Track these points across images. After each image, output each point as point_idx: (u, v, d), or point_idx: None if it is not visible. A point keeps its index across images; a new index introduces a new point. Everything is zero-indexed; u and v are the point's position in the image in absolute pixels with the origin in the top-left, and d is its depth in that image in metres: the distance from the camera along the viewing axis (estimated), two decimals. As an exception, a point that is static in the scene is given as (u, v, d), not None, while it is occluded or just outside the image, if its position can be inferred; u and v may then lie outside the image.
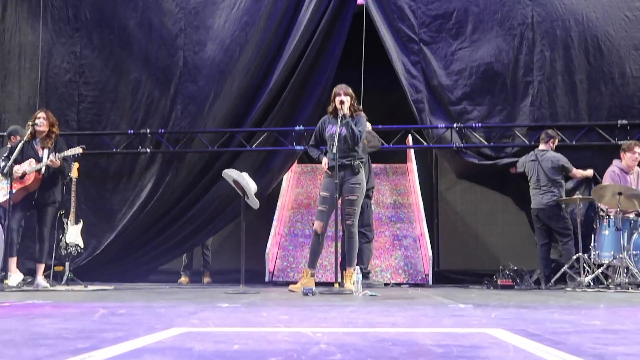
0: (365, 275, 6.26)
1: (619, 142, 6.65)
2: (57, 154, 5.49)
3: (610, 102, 6.76)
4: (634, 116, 6.71)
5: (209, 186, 7.32)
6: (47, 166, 5.48)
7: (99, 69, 7.48)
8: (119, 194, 7.37)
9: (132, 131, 7.31)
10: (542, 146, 6.55)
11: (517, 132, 6.95)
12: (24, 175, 5.45)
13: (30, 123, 5.53)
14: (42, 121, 5.56)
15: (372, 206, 6.70)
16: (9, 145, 6.15)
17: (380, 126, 7.11)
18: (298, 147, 7.19)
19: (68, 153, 5.55)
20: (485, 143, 6.97)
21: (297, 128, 7.21)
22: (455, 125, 6.94)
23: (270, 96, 7.15)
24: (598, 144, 6.81)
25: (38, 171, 5.48)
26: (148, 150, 7.31)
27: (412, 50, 7.05)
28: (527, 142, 6.87)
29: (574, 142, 6.81)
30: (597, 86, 6.78)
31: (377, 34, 7.16)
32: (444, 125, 6.99)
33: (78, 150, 5.62)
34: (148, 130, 7.27)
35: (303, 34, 7.04)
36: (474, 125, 6.94)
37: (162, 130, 7.29)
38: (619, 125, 6.72)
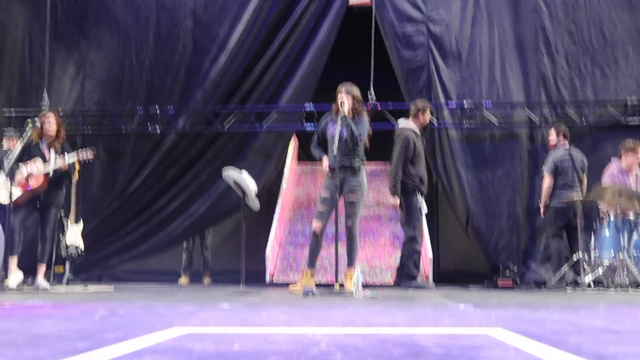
0: (413, 277, 6.07)
1: (629, 121, 6.77)
2: (67, 156, 5.51)
3: (615, 84, 6.87)
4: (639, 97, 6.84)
5: (193, 164, 7.42)
6: (55, 168, 5.50)
7: (105, 49, 7.49)
8: (121, 173, 7.39)
9: (141, 110, 7.33)
10: (566, 143, 6.47)
11: (525, 112, 7.01)
12: (30, 176, 5.45)
13: (30, 122, 5.51)
14: (51, 124, 5.57)
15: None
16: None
17: (391, 106, 7.24)
18: (308, 125, 7.27)
19: (79, 157, 5.58)
20: (494, 123, 7.01)
21: (306, 107, 7.27)
22: (466, 104, 6.99)
23: (258, 73, 7.27)
24: (607, 122, 6.88)
25: (46, 173, 5.49)
26: (158, 130, 7.31)
27: (419, 31, 7.14)
28: (536, 121, 6.96)
29: (583, 121, 6.89)
30: (601, 68, 6.87)
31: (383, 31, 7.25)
32: (454, 104, 7.02)
33: (89, 154, 5.63)
34: (158, 110, 7.28)
35: (296, 19, 7.22)
36: (483, 104, 7.00)
37: (172, 110, 7.31)
38: (629, 104, 6.79)
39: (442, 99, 7.08)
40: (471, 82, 7.08)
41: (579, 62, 6.94)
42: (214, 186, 7.30)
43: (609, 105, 6.90)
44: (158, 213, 7.43)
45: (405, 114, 7.29)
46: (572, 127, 6.82)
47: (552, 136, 6.48)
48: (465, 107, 7.01)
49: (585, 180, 6.49)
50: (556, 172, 6.34)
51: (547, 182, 6.35)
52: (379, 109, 7.09)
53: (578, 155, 6.44)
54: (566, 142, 6.45)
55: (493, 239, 6.89)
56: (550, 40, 6.98)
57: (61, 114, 7.32)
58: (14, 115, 7.47)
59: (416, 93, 7.17)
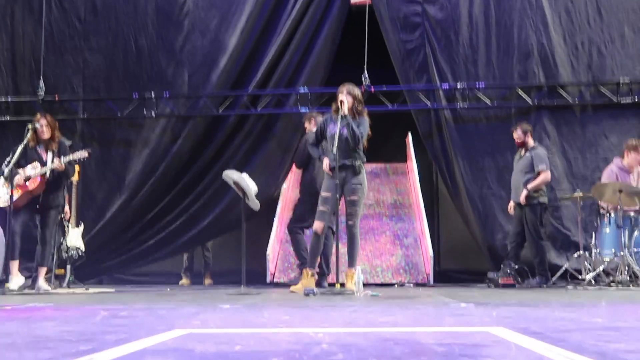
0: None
1: (622, 101, 6.83)
2: (62, 157, 5.51)
3: (612, 64, 6.92)
4: (635, 77, 6.90)
5: (211, 163, 7.37)
6: (52, 169, 5.50)
7: (103, 35, 7.51)
8: (124, 161, 7.40)
9: (136, 95, 7.34)
10: (533, 141, 6.53)
11: (520, 92, 7.05)
12: (28, 179, 5.46)
13: (30, 127, 5.53)
14: (44, 128, 5.57)
15: None
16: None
17: (385, 87, 7.27)
18: (303, 109, 7.27)
19: (74, 157, 5.57)
20: (489, 103, 7.03)
21: (300, 90, 7.27)
22: (459, 85, 7.00)
23: (272, 59, 7.26)
24: (601, 103, 6.94)
25: (43, 175, 5.49)
26: (153, 114, 7.31)
27: (415, 12, 7.18)
28: (530, 101, 6.99)
29: (577, 101, 6.93)
30: (597, 47, 6.93)
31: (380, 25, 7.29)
32: (447, 86, 7.05)
33: (84, 154, 5.63)
34: (153, 95, 7.28)
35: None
36: (477, 85, 7.02)
37: (167, 94, 7.31)
38: (622, 84, 6.85)
39: (438, 81, 7.11)
40: (468, 63, 7.12)
41: (575, 41, 6.98)
42: (223, 194, 7.30)
43: (602, 85, 6.93)
44: (168, 221, 7.43)
45: (398, 96, 7.32)
46: (566, 107, 6.93)
47: (518, 134, 6.44)
48: (461, 88, 7.04)
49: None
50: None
51: (548, 177, 6.29)
52: (372, 91, 7.12)
53: None
54: (532, 139, 6.51)
55: (489, 218, 6.92)
56: (548, 20, 7.01)
57: (57, 99, 7.36)
58: (10, 101, 7.49)
59: (412, 75, 7.22)
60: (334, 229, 6.04)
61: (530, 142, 6.41)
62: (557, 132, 6.97)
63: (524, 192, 6.22)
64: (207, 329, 2.28)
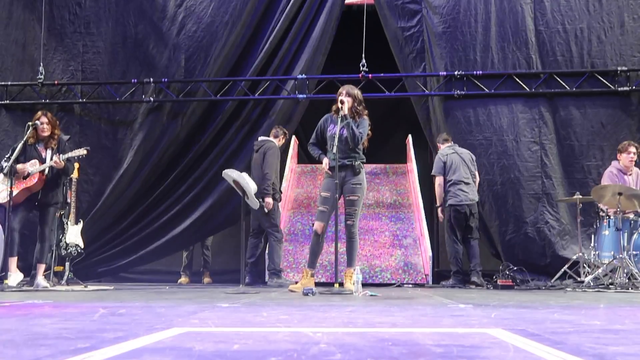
0: (277, 274, 6.51)
1: (619, 89, 6.84)
2: (60, 154, 5.50)
3: (611, 51, 6.93)
4: (634, 64, 6.91)
5: (207, 149, 7.41)
6: (51, 167, 5.50)
7: (103, 21, 7.55)
8: (121, 145, 7.41)
9: (135, 81, 7.36)
10: (448, 143, 6.74)
11: (517, 80, 7.05)
12: (27, 175, 5.46)
13: (31, 124, 5.53)
14: (45, 126, 5.57)
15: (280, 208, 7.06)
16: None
17: (382, 74, 7.32)
18: (300, 96, 7.31)
19: (72, 154, 5.56)
20: (487, 90, 7.06)
21: (298, 76, 7.29)
22: (456, 72, 7.02)
23: (270, 46, 7.32)
24: (598, 91, 6.94)
25: (42, 172, 5.49)
26: (151, 99, 7.33)
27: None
28: (527, 89, 7.01)
29: (574, 89, 6.95)
30: (597, 35, 6.94)
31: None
32: (445, 73, 7.07)
33: (82, 151, 5.62)
34: (152, 80, 7.31)
35: None
36: (475, 72, 7.04)
37: (165, 80, 7.33)
38: (619, 72, 6.86)
39: (435, 68, 7.15)
40: (466, 50, 7.15)
41: (575, 28, 6.99)
42: (218, 187, 7.30)
43: (601, 73, 6.93)
44: (163, 210, 7.43)
45: (395, 83, 7.40)
46: (564, 94, 6.95)
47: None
48: (459, 74, 7.05)
49: (478, 176, 6.73)
50: (445, 170, 6.61)
51: (436, 182, 6.60)
52: (369, 77, 7.17)
53: (464, 151, 6.67)
54: (448, 143, 6.68)
55: (486, 205, 6.95)
56: (547, 7, 7.03)
57: (56, 83, 7.37)
58: (9, 85, 7.50)
59: (410, 62, 7.24)
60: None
61: (439, 147, 6.76)
62: (553, 119, 6.99)
63: (439, 210, 6.74)
64: (206, 328, 2.28)
